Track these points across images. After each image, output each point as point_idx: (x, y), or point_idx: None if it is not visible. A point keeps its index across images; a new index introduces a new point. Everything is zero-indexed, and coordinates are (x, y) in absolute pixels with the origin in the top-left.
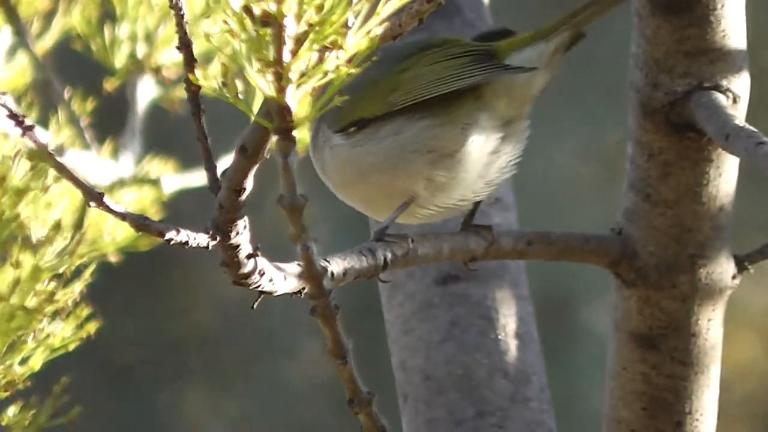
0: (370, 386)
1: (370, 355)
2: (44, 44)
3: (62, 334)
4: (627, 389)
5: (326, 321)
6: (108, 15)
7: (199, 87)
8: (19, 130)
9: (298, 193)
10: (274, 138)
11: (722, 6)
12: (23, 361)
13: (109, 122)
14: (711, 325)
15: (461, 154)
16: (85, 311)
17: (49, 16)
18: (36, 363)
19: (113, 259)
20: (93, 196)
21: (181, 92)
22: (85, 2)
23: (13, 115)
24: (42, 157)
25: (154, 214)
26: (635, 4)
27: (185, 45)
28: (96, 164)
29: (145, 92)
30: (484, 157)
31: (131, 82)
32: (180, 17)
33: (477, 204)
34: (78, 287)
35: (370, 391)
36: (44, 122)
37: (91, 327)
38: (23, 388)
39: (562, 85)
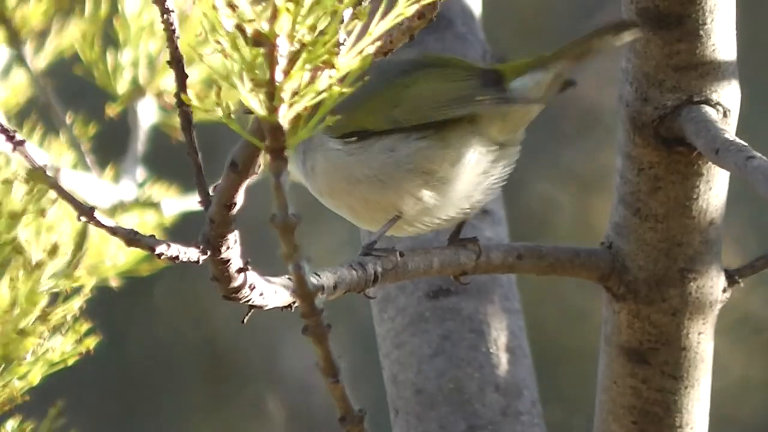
0: (362, 399)
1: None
2: (40, 63)
3: (62, 348)
4: (617, 403)
5: (318, 340)
6: (110, 40)
7: (190, 102)
8: (9, 145)
9: (290, 212)
10: (266, 157)
11: (712, 20)
12: (22, 377)
13: (112, 146)
14: (701, 338)
15: (453, 177)
16: (84, 326)
17: (45, 34)
18: (35, 378)
19: (114, 283)
20: (84, 211)
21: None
22: (85, 22)
23: (3, 130)
24: (34, 174)
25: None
26: (626, 19)
27: (176, 60)
28: (96, 187)
29: (147, 117)
30: (474, 179)
31: (132, 107)
32: (171, 32)
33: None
34: (77, 303)
35: (362, 409)
36: (46, 145)
37: (90, 342)
38: (22, 403)
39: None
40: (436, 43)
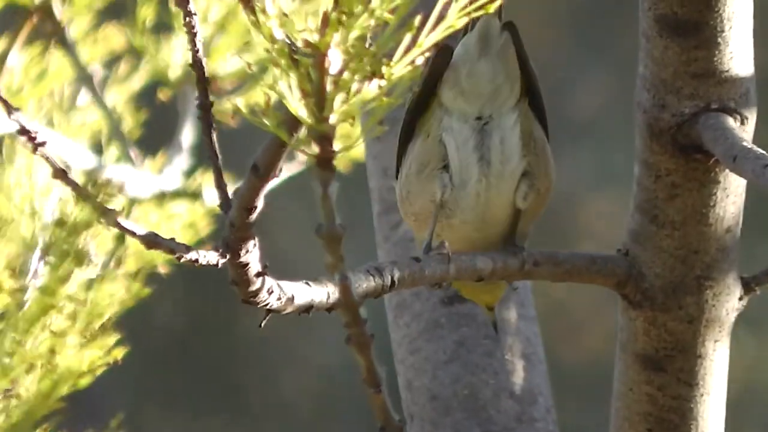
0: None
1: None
2: (89, 59)
3: (90, 358)
4: (633, 410)
5: (361, 349)
6: (163, 26)
7: (211, 104)
8: (30, 146)
9: (336, 223)
10: (314, 167)
11: (730, 28)
12: (53, 387)
13: (164, 134)
14: (717, 346)
15: (446, 161)
16: (113, 337)
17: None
18: (62, 388)
19: (163, 270)
20: (105, 212)
21: (234, 104)
22: (140, 11)
23: (24, 131)
24: (56, 175)
25: (205, 227)
26: (643, 26)
27: (197, 63)
28: (138, 178)
29: (192, 110)
30: (467, 157)
31: (183, 93)
32: (192, 36)
33: (515, 223)
34: (107, 313)
35: (401, 419)
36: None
37: (119, 352)
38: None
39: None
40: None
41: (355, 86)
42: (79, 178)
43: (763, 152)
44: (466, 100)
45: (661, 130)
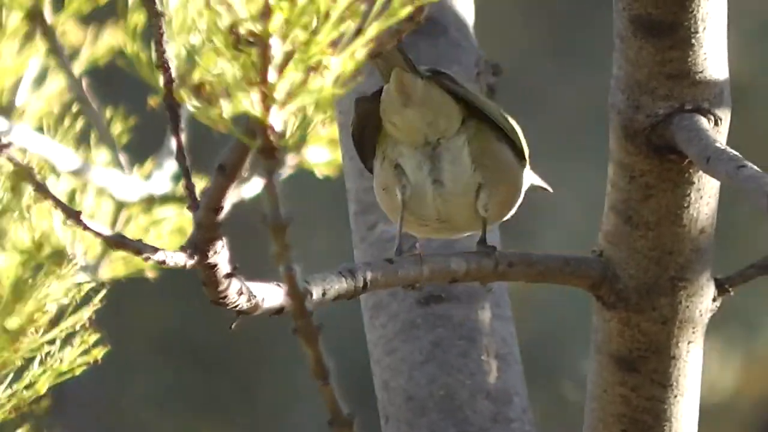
0: (353, 406)
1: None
2: (81, 65)
3: (70, 357)
4: (607, 411)
5: (308, 341)
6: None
7: (179, 105)
8: None
9: (282, 212)
10: (259, 156)
11: (704, 29)
12: (29, 386)
13: (154, 141)
14: (691, 347)
15: (405, 182)
16: (93, 336)
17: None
18: (42, 387)
19: (150, 275)
20: (70, 213)
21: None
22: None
23: None
24: (21, 176)
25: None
26: (617, 27)
27: (164, 65)
28: (126, 182)
29: (186, 110)
30: (426, 179)
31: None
32: (159, 36)
33: (485, 228)
34: (87, 313)
35: (351, 413)
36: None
37: (98, 352)
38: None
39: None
40: (429, 49)
41: (300, 76)
42: (67, 181)
43: (737, 153)
44: (407, 135)
45: (636, 131)
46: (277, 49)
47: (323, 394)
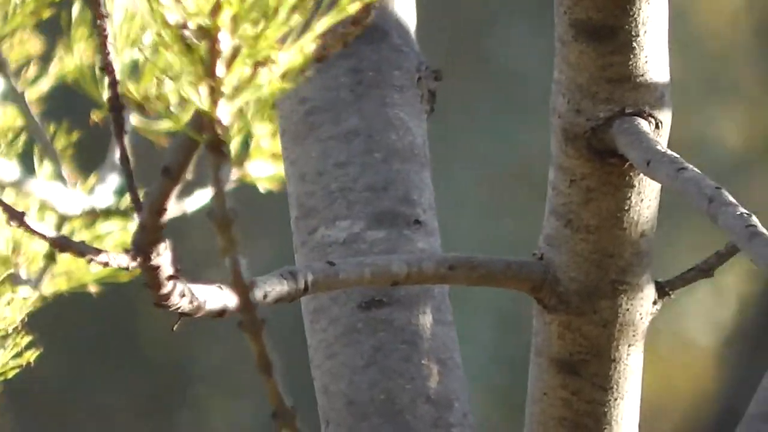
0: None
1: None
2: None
3: (2, 360)
4: (548, 414)
5: (253, 335)
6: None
7: (123, 108)
8: None
9: (228, 207)
10: (206, 152)
11: (645, 32)
12: None
13: (96, 157)
14: (631, 350)
15: None
16: (25, 339)
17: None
18: None
19: (93, 289)
20: (14, 214)
21: (166, 125)
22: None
23: None
24: None
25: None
26: (558, 30)
27: (108, 67)
28: (67, 196)
29: (129, 123)
30: None
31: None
32: (103, 38)
33: None
34: (19, 315)
35: (293, 407)
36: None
37: (30, 355)
38: None
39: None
40: (372, 54)
41: (248, 71)
42: (9, 194)
43: (677, 156)
44: None
45: (576, 135)
46: (226, 43)
47: (267, 387)
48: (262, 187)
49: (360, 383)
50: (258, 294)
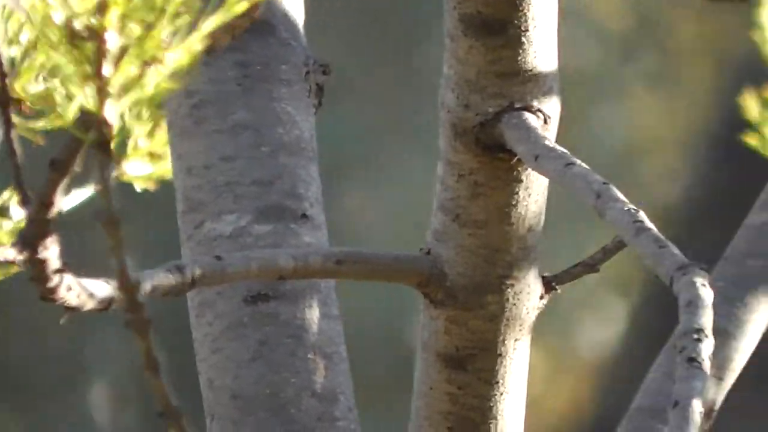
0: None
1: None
2: None
3: None
4: (433, 409)
5: (140, 334)
6: None
7: (11, 98)
8: None
9: (114, 207)
10: (93, 152)
11: (534, 27)
12: None
13: None
14: (518, 345)
15: None
16: None
17: None
18: None
19: None
20: None
21: (42, 124)
22: None
23: None
24: None
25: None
26: (447, 26)
27: None
28: None
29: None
30: None
31: None
32: None
33: None
34: None
35: (179, 406)
36: None
37: None
38: None
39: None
40: (259, 48)
41: (135, 70)
42: None
43: (565, 151)
44: None
45: (465, 130)
46: (113, 43)
47: (153, 386)
48: (139, 186)
49: (246, 377)
50: (145, 288)
